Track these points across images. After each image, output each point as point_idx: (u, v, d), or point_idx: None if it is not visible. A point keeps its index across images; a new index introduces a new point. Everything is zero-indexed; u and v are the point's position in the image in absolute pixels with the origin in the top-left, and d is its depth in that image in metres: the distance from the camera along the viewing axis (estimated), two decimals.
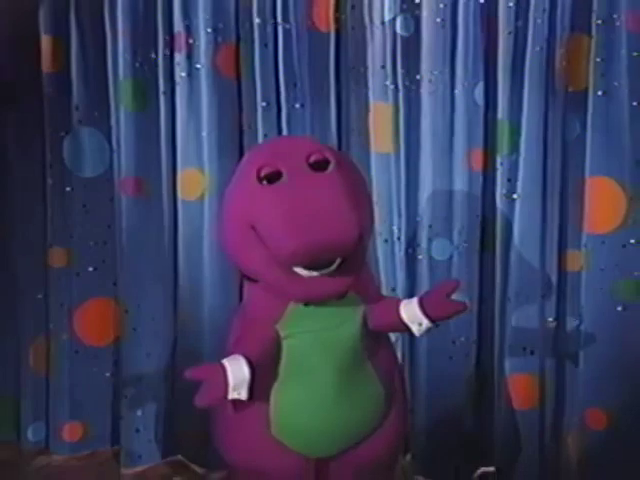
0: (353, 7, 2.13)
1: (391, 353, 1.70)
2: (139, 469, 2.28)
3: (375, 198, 2.02)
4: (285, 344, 1.51)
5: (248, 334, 1.53)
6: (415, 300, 1.51)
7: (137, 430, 2.29)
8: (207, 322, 2.20)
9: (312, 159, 1.43)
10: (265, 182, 1.41)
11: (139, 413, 2.29)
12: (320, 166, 1.42)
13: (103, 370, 2.37)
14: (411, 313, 1.49)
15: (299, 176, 1.40)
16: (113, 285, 2.30)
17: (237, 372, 1.36)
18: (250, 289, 1.61)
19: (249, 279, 1.58)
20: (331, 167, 1.42)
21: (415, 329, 1.50)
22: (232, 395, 1.36)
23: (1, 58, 2.19)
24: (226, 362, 1.38)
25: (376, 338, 1.59)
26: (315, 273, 1.42)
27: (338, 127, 2.17)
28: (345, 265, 1.44)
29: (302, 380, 1.52)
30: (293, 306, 1.51)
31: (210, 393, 1.34)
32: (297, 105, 2.15)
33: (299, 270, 1.42)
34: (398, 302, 1.56)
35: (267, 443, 1.54)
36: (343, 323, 1.53)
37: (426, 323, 1.48)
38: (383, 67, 2.12)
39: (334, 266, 1.43)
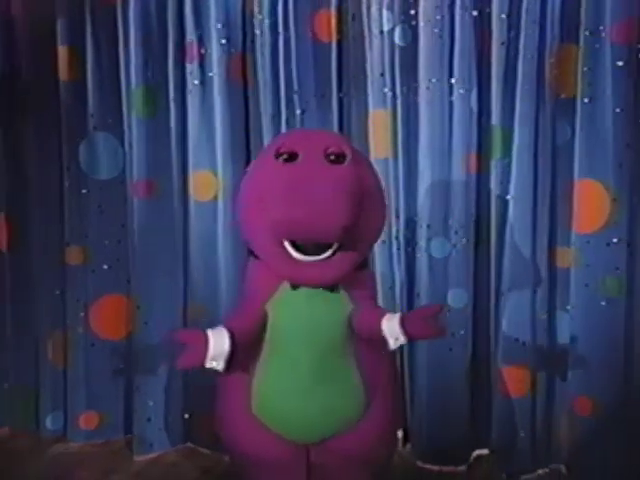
0: (353, 18, 2.24)
1: (379, 353, 1.68)
2: (151, 456, 2.40)
3: None
4: (271, 324, 1.60)
5: (238, 310, 1.67)
6: (397, 316, 1.55)
7: (148, 419, 2.41)
8: (217, 316, 2.32)
9: (330, 151, 1.55)
10: (281, 160, 1.54)
11: (150, 403, 2.41)
12: (337, 159, 1.54)
13: (116, 362, 2.49)
14: (391, 327, 1.52)
15: (313, 162, 1.52)
16: (127, 282, 2.42)
17: (218, 343, 1.47)
18: (251, 266, 1.71)
19: (253, 255, 1.68)
20: (347, 162, 1.55)
21: (391, 342, 1.54)
22: (209, 364, 1.46)
23: (20, 68, 2.31)
24: (210, 332, 1.48)
25: (362, 335, 1.64)
26: (306, 258, 1.54)
27: (339, 132, 2.28)
28: (336, 258, 1.55)
29: (282, 362, 1.61)
30: (284, 289, 1.61)
31: (189, 358, 1.46)
32: (298, 112, 2.28)
33: (292, 252, 1.54)
34: (383, 314, 1.58)
35: (249, 421, 1.63)
36: (329, 316, 1.62)
37: (402, 339, 1.53)
38: (382, 75, 2.23)
39: (324, 255, 1.54)
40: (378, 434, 1.70)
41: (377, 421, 1.68)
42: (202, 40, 2.26)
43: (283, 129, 2.28)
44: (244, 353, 1.53)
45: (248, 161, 2.30)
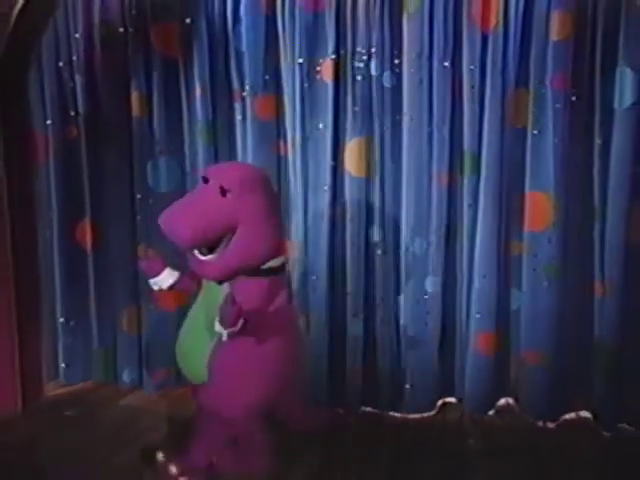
0: (352, 65, 2.81)
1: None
2: None
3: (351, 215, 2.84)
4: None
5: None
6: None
7: None
8: None
9: (224, 186, 2.06)
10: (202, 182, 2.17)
11: None
12: (223, 192, 2.06)
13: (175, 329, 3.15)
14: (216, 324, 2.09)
15: (205, 189, 2.12)
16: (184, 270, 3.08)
17: (166, 277, 2.33)
18: None
19: None
20: (233, 193, 2.05)
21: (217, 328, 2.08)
22: (152, 284, 2.37)
23: (102, 108, 2.95)
24: (167, 269, 2.35)
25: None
26: (201, 257, 2.14)
27: (334, 155, 2.87)
28: (221, 259, 2.11)
29: (191, 326, 2.35)
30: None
31: (147, 269, 2.38)
32: (307, 135, 2.88)
33: (196, 252, 2.14)
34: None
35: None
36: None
37: (220, 328, 2.05)
38: (370, 109, 2.83)
39: (211, 256, 2.11)
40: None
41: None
42: (243, 86, 2.88)
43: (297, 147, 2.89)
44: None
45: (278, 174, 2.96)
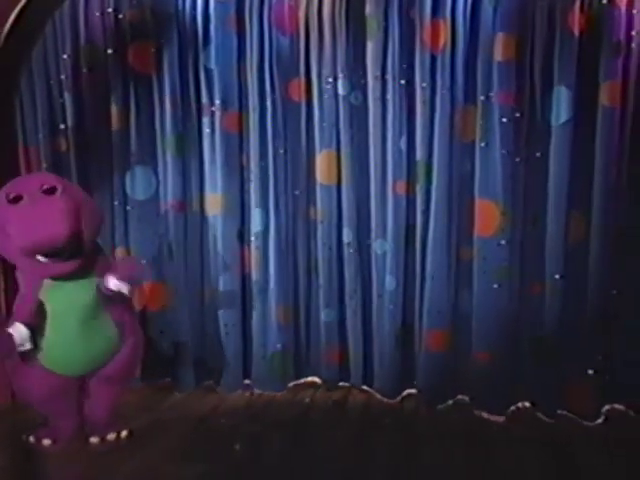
0: (319, 85, 3.08)
1: (125, 305, 2.62)
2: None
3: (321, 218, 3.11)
4: (47, 305, 2.45)
5: (21, 304, 2.49)
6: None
7: None
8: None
9: (44, 187, 2.29)
10: (12, 202, 2.28)
11: None
12: (51, 191, 2.28)
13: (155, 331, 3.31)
14: (111, 279, 2.42)
15: (33, 197, 2.27)
16: (158, 273, 3.28)
17: (19, 334, 2.36)
18: (19, 274, 2.53)
19: (17, 268, 2.50)
20: (58, 192, 2.27)
21: (112, 285, 2.41)
22: (22, 349, 2.37)
23: (85, 122, 3.17)
24: (10, 329, 2.36)
25: (111, 298, 2.49)
26: (49, 260, 2.31)
27: (309, 167, 3.16)
28: (72, 255, 2.33)
29: (57, 327, 2.47)
30: (47, 282, 2.43)
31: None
32: (281, 151, 3.16)
33: (41, 258, 2.30)
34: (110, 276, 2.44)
35: (40, 372, 2.48)
36: (82, 290, 2.47)
37: (115, 283, 2.41)
38: (336, 125, 3.09)
39: (63, 255, 2.30)
40: (129, 361, 2.68)
41: (128, 353, 2.64)
42: (212, 101, 3.13)
43: (269, 162, 3.16)
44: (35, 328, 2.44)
45: (242, 185, 3.21)
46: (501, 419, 2.98)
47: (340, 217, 3.18)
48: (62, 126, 3.20)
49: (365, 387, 3.28)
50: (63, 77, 3.16)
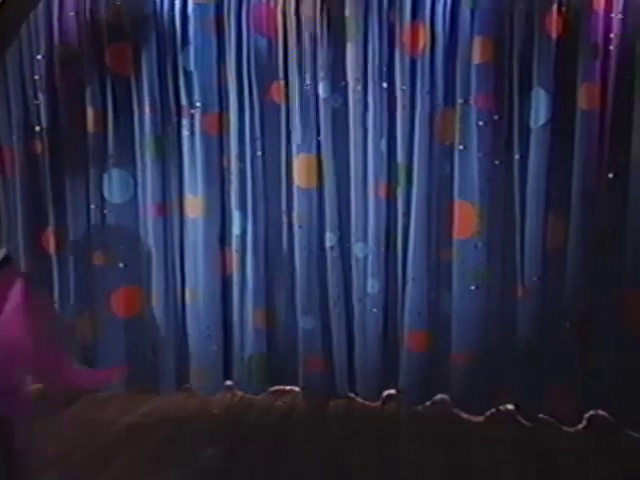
0: (300, 86, 3.07)
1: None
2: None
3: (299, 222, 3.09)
4: None
5: None
6: None
7: None
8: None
9: None
10: None
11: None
12: None
13: (136, 335, 3.32)
14: None
15: None
16: (138, 277, 3.27)
17: None
18: None
19: None
20: None
21: None
22: None
23: (60, 123, 3.13)
24: None
25: None
26: None
27: (287, 170, 3.14)
28: None
29: None
30: None
31: None
32: (259, 153, 3.13)
33: None
34: None
35: None
36: None
37: None
38: (318, 127, 3.09)
39: None
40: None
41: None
42: (192, 103, 3.11)
43: (247, 165, 3.13)
44: None
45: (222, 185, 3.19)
46: (480, 419, 3.00)
47: (320, 221, 3.17)
48: (37, 128, 3.16)
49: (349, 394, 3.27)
50: (37, 78, 3.11)
